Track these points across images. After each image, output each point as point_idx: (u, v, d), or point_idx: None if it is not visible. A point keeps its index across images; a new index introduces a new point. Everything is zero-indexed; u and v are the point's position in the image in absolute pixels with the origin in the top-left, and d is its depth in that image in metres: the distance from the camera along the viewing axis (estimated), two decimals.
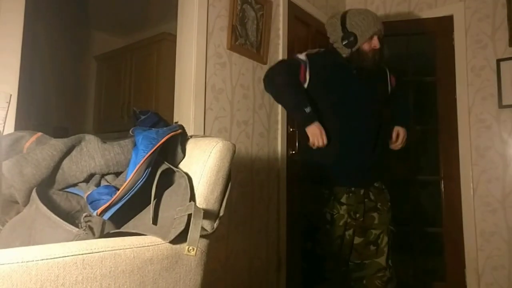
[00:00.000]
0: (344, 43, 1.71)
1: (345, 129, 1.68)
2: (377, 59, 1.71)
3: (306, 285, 1.80)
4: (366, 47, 1.70)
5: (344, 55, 1.75)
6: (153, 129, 0.98)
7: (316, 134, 1.62)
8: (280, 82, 1.71)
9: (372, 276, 1.67)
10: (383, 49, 1.73)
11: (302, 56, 1.74)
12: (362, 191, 1.71)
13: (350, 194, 1.70)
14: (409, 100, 1.97)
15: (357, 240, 1.70)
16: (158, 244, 0.78)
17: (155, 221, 0.82)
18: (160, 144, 0.88)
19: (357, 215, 1.70)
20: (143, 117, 1.07)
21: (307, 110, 1.61)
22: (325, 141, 1.62)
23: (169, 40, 3.05)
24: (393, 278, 1.69)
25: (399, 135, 1.79)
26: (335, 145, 1.66)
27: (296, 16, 2.56)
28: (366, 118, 1.71)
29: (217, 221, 0.90)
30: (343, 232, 1.69)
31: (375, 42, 1.70)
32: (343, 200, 1.69)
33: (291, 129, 2.43)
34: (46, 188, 0.90)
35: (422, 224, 2.81)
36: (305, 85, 1.71)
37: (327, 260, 1.71)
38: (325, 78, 1.72)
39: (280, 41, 2.39)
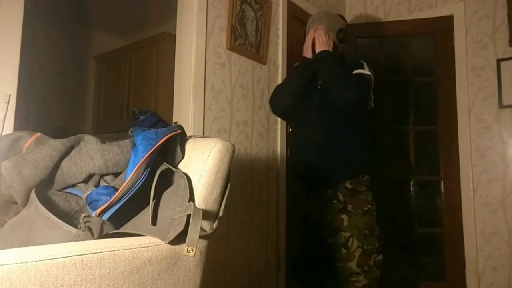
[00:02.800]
0: (340, 36, 1.88)
1: (306, 132, 1.78)
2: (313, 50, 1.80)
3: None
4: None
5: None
6: (152, 129, 0.97)
7: (308, 41, 1.84)
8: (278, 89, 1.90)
9: (345, 280, 1.66)
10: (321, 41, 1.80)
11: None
12: (329, 192, 1.72)
13: (318, 194, 1.77)
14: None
15: (329, 240, 1.71)
16: (157, 245, 0.78)
17: (154, 221, 0.82)
18: (159, 145, 0.88)
19: (325, 215, 1.73)
20: (142, 117, 1.07)
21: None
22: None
23: (168, 40, 3.05)
24: (372, 284, 1.65)
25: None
26: (303, 150, 1.78)
27: (295, 16, 2.56)
28: (334, 119, 1.73)
29: (216, 222, 0.90)
30: (316, 229, 1.77)
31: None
32: (312, 199, 1.78)
33: (290, 129, 2.43)
34: (45, 188, 0.90)
35: (422, 224, 2.80)
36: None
37: (305, 258, 1.79)
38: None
39: (280, 41, 2.39)
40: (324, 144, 1.71)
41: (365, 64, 1.79)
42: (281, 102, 1.82)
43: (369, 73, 1.75)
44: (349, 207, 1.69)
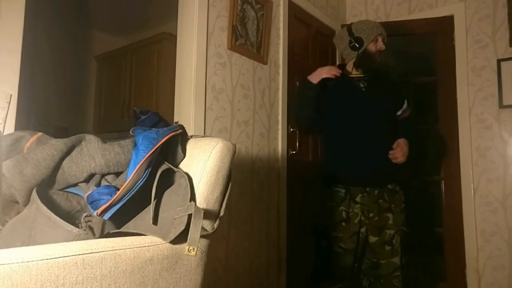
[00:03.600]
0: (351, 45, 1.85)
1: (359, 137, 1.80)
2: (382, 61, 1.86)
3: (315, 281, 1.87)
4: (372, 48, 1.85)
5: (351, 61, 1.89)
6: (153, 129, 0.97)
7: (322, 69, 1.84)
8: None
9: (389, 275, 1.74)
10: (389, 56, 1.86)
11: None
12: (376, 192, 1.79)
13: (365, 194, 1.78)
14: (415, 128, 2.01)
15: (372, 239, 1.77)
16: (158, 244, 0.78)
17: (155, 221, 0.82)
18: (161, 144, 0.88)
19: (371, 215, 1.77)
20: (143, 117, 1.07)
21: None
22: (336, 70, 1.83)
23: (169, 40, 3.06)
24: (406, 277, 1.79)
25: (398, 146, 1.80)
26: (350, 151, 1.81)
27: (296, 16, 2.56)
28: (378, 128, 1.81)
29: (217, 221, 0.90)
30: (358, 229, 1.77)
31: (380, 44, 1.86)
32: (358, 199, 1.78)
33: (291, 129, 2.43)
34: (46, 188, 0.90)
35: (423, 224, 2.80)
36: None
37: (344, 256, 1.77)
38: (336, 96, 1.88)
39: (281, 41, 2.39)
40: (380, 150, 1.78)
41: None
42: (307, 123, 1.92)
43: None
44: (392, 206, 1.79)
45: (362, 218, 1.78)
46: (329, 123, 1.89)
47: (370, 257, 1.80)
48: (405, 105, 1.92)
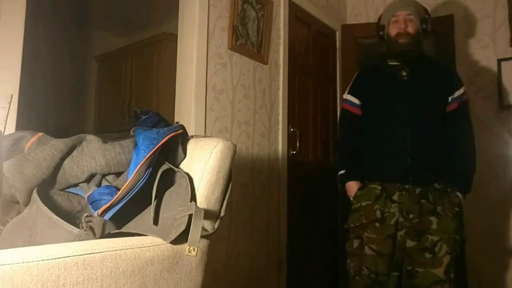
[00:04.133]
0: (379, 34, 1.75)
1: (399, 129, 1.63)
2: (406, 42, 1.63)
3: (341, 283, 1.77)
4: (392, 31, 1.68)
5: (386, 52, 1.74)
6: (154, 129, 0.97)
7: (348, 192, 1.75)
8: (338, 143, 1.91)
9: (426, 287, 1.51)
10: (418, 32, 1.67)
11: (348, 96, 1.83)
12: (418, 190, 1.57)
13: (403, 192, 1.58)
14: (472, 153, 1.68)
15: (409, 243, 1.55)
16: (159, 245, 0.78)
17: (156, 221, 0.82)
18: (161, 144, 0.88)
19: (411, 216, 1.55)
20: (144, 117, 1.07)
21: (340, 172, 1.76)
22: (352, 196, 1.72)
23: (170, 40, 3.05)
24: None
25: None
26: (390, 143, 1.64)
27: (296, 16, 2.56)
28: (421, 118, 1.63)
29: (218, 222, 0.90)
30: (394, 231, 1.56)
31: (400, 24, 1.65)
32: (395, 198, 1.58)
33: (291, 129, 2.43)
34: (47, 188, 0.90)
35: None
36: (364, 113, 1.78)
37: (376, 260, 1.56)
38: (374, 91, 1.74)
39: (281, 41, 2.39)
40: (422, 144, 1.61)
41: (460, 78, 1.73)
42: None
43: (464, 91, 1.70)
44: (439, 208, 1.55)
45: (400, 220, 1.55)
46: (366, 116, 1.74)
47: (406, 265, 1.56)
48: (458, 92, 1.66)
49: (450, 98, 1.67)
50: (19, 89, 1.30)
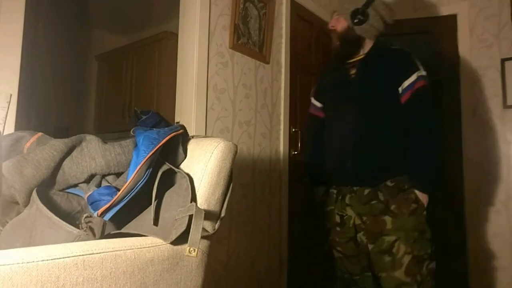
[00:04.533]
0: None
1: (346, 130, 1.60)
2: (339, 41, 1.66)
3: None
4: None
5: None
6: (154, 129, 0.97)
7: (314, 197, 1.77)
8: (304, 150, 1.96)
9: None
10: (348, 28, 1.63)
11: (312, 99, 1.86)
12: (366, 191, 1.53)
13: (353, 194, 1.56)
14: (433, 147, 1.49)
15: (370, 246, 1.50)
16: (159, 245, 0.77)
17: (156, 222, 0.82)
18: (161, 145, 0.88)
19: (364, 218, 1.52)
20: (144, 117, 1.06)
21: (305, 179, 1.86)
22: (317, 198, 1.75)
23: (170, 39, 3.05)
24: None
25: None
26: (337, 145, 1.63)
27: (299, 15, 2.55)
28: (367, 116, 1.56)
29: (218, 222, 0.90)
30: (354, 233, 1.55)
31: (331, 22, 1.71)
32: (347, 200, 1.58)
33: (293, 130, 2.42)
34: (46, 188, 0.89)
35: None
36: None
37: (344, 261, 1.59)
38: (328, 92, 1.76)
39: (283, 40, 2.38)
40: (369, 142, 1.54)
41: (417, 62, 1.58)
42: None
43: (425, 73, 1.57)
44: (393, 207, 1.47)
45: (357, 222, 1.53)
46: (325, 119, 1.75)
47: (372, 268, 1.53)
48: (407, 81, 1.53)
49: (400, 89, 1.55)
50: (18, 88, 1.30)
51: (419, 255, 1.42)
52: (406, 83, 1.54)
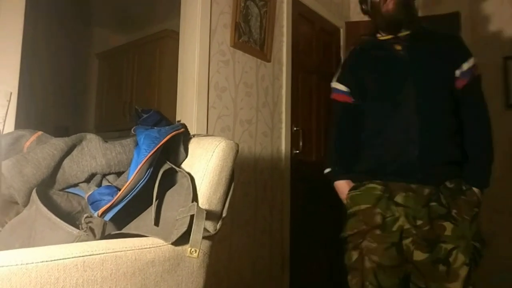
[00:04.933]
0: (362, 8, 1.48)
1: (397, 114, 1.34)
2: (393, 7, 1.35)
3: None
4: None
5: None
6: (155, 128, 0.96)
7: (339, 193, 1.50)
8: (328, 141, 1.65)
9: None
10: None
11: (334, 84, 1.55)
12: (427, 191, 1.29)
13: (409, 193, 1.29)
14: (489, 140, 1.36)
15: (419, 255, 1.26)
16: (160, 246, 0.76)
17: (157, 222, 0.81)
18: (163, 144, 0.87)
19: (419, 222, 1.27)
20: (145, 115, 1.06)
21: (326, 171, 1.51)
22: (344, 198, 1.47)
23: (171, 38, 3.04)
24: None
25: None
26: (391, 133, 1.34)
27: (300, 13, 2.54)
28: (424, 100, 1.33)
29: (220, 222, 0.89)
30: (398, 239, 1.28)
31: None
32: (399, 200, 1.30)
33: (295, 128, 2.41)
34: (46, 188, 0.89)
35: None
36: (357, 100, 1.49)
37: (378, 274, 1.29)
38: (365, 73, 1.45)
39: (284, 39, 2.37)
40: (430, 127, 1.30)
41: (468, 48, 1.40)
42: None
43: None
44: (454, 212, 1.27)
45: (406, 226, 1.27)
46: (360, 104, 1.46)
47: (415, 280, 1.30)
48: (466, 65, 1.35)
49: (458, 73, 1.35)
50: (18, 87, 1.29)
51: (474, 266, 1.26)
52: (466, 66, 1.36)
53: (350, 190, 1.42)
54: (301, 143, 2.42)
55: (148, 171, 0.84)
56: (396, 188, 1.31)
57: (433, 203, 1.28)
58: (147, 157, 0.83)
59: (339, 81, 1.54)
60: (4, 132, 1.15)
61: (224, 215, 0.90)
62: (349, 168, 1.45)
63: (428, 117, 1.31)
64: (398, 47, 1.39)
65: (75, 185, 0.91)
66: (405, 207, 1.29)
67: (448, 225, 1.26)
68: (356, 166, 1.43)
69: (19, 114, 1.29)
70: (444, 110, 1.33)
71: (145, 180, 0.83)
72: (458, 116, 1.35)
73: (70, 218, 0.86)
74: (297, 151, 2.41)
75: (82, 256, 0.65)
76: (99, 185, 0.90)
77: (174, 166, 0.90)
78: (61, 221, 0.76)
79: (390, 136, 1.34)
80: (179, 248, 0.79)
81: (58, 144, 0.88)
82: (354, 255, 1.35)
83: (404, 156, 1.31)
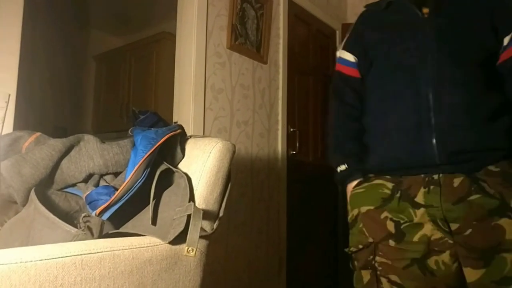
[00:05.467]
0: None
1: (414, 91, 1.03)
2: None
3: None
4: None
5: None
6: (152, 129, 0.97)
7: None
8: (328, 124, 1.24)
9: None
10: None
11: (341, 53, 1.23)
12: (458, 181, 0.94)
13: (432, 187, 0.95)
14: None
15: (471, 274, 0.91)
16: (157, 245, 0.77)
17: (154, 221, 0.82)
18: (159, 144, 0.88)
19: (454, 226, 0.92)
20: (142, 117, 1.07)
21: (341, 168, 1.13)
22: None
23: (168, 40, 3.05)
24: None
25: None
26: (405, 114, 1.03)
27: (296, 15, 2.55)
28: (456, 71, 1.01)
29: (216, 222, 0.90)
30: (422, 255, 0.94)
31: None
32: (420, 197, 0.96)
33: (291, 129, 2.42)
34: (44, 188, 0.89)
35: None
36: (365, 74, 1.17)
37: None
38: (379, 39, 1.14)
39: (281, 41, 2.39)
40: (458, 105, 0.98)
41: None
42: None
43: None
44: None
45: (436, 236, 0.93)
46: (367, 78, 1.15)
47: None
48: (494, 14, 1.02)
49: (506, 41, 1.02)
50: (16, 88, 1.30)
51: None
52: None
53: (353, 188, 1.10)
54: (297, 144, 2.44)
55: (145, 172, 0.85)
56: (413, 183, 0.99)
57: (474, 196, 0.92)
58: (144, 157, 0.84)
59: (346, 48, 1.21)
60: (3, 133, 1.16)
61: (220, 215, 0.91)
62: (362, 163, 1.11)
63: (459, 95, 0.99)
64: (424, 10, 1.08)
65: (73, 185, 0.92)
66: (428, 207, 0.95)
67: (508, 224, 0.89)
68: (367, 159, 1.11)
69: (18, 116, 1.30)
70: (480, 87, 1.01)
71: (142, 181, 0.84)
72: (503, 94, 1.03)
73: (68, 218, 0.87)
74: (294, 152, 2.42)
75: (80, 254, 0.66)
76: (97, 185, 0.91)
77: (171, 167, 0.91)
78: (60, 220, 0.77)
79: (403, 119, 1.03)
80: (176, 247, 0.79)
81: (56, 145, 0.89)
82: (365, 276, 1.02)
83: (420, 143, 0.99)
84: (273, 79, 2.33)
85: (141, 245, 0.75)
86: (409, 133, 1.02)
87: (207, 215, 0.87)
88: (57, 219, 0.77)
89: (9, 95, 1.28)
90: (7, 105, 1.26)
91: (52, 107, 3.23)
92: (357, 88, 1.19)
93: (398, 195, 1.00)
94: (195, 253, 0.74)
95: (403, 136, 1.03)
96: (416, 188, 0.98)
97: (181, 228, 0.77)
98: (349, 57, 1.20)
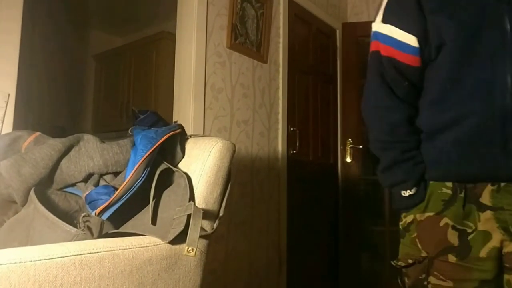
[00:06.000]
0: None
1: (490, 86, 0.83)
2: None
3: None
4: None
5: None
6: (152, 128, 0.97)
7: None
8: (374, 139, 0.98)
9: None
10: None
11: (396, 33, 0.91)
12: None
13: (502, 185, 0.81)
14: None
15: None
16: (157, 245, 0.77)
17: (154, 221, 0.82)
18: (159, 144, 0.88)
19: None
20: (142, 116, 1.06)
21: (409, 193, 0.89)
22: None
23: (168, 39, 3.05)
24: None
25: None
26: (472, 115, 0.83)
27: (296, 14, 2.55)
28: None
29: (216, 221, 0.90)
30: (495, 274, 0.79)
31: None
32: (485, 198, 0.81)
33: (291, 129, 2.42)
34: (44, 188, 0.89)
35: None
36: (425, 64, 0.91)
37: None
38: (446, 23, 0.87)
39: (281, 40, 2.39)
40: None
41: None
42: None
43: None
44: None
45: (507, 249, 0.78)
46: (430, 67, 0.90)
47: None
48: None
49: None
50: (16, 88, 1.30)
51: None
52: None
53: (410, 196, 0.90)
54: (297, 144, 2.44)
55: (145, 171, 0.84)
56: (480, 189, 0.82)
57: None
58: (144, 157, 0.83)
59: (404, 28, 0.89)
60: (2, 133, 1.16)
61: (221, 214, 0.91)
62: (422, 168, 0.90)
63: None
64: None
65: (73, 184, 0.92)
66: (498, 210, 0.78)
67: None
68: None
69: (17, 115, 1.30)
70: None
71: (142, 180, 0.84)
72: None
73: (68, 217, 0.87)
74: (294, 151, 2.42)
75: (80, 254, 0.66)
76: (97, 184, 0.90)
77: (171, 166, 0.91)
78: (59, 220, 0.77)
79: (468, 119, 0.83)
80: (176, 247, 0.79)
81: (56, 144, 0.89)
82: None
83: (497, 145, 0.81)
84: (273, 79, 2.33)
85: (141, 245, 0.75)
86: (492, 144, 0.81)
87: (207, 214, 0.87)
88: (57, 219, 0.77)
89: (9, 94, 1.28)
90: (7, 105, 1.26)
91: (51, 107, 3.23)
92: (417, 81, 0.92)
93: (462, 194, 0.82)
94: (195, 252, 0.74)
95: (482, 147, 0.82)
96: (481, 185, 0.80)
97: (181, 227, 0.77)
98: (411, 40, 0.89)
